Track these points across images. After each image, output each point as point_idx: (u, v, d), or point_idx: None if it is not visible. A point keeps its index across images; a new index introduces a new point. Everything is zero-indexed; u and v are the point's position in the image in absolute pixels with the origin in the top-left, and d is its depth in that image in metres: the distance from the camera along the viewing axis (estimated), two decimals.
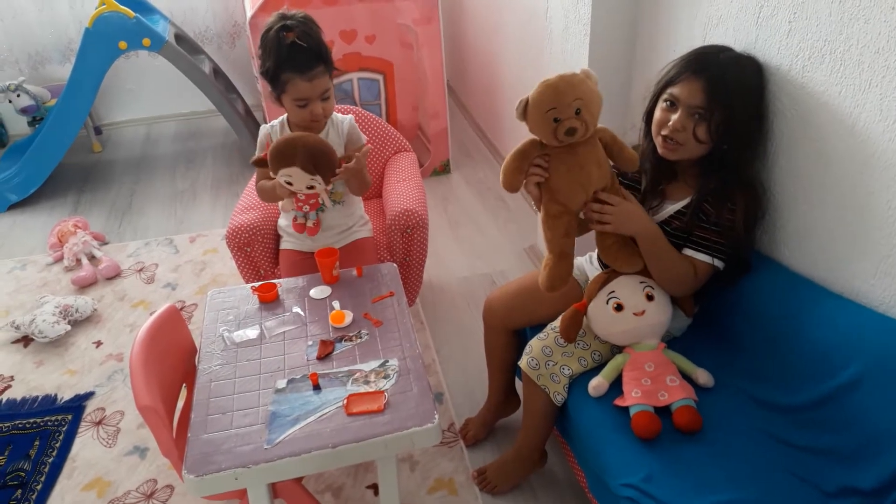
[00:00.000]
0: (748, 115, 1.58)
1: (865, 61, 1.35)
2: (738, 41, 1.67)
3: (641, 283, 1.62)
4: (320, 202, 1.99)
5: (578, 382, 1.65)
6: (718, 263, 1.60)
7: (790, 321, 1.53)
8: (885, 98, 1.32)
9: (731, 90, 1.52)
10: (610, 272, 1.66)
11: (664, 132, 1.59)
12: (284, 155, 1.77)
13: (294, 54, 1.80)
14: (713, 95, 1.51)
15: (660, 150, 1.64)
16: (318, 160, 1.78)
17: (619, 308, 1.59)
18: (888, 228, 1.37)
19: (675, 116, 1.56)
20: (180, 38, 3.97)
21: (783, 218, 1.64)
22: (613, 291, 1.61)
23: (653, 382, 1.53)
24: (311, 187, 1.84)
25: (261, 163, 1.87)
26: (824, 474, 1.34)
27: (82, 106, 3.64)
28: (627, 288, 1.61)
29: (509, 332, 1.93)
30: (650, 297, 1.59)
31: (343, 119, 2.04)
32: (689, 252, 1.62)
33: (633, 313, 1.58)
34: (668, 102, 1.59)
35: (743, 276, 1.65)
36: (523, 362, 1.70)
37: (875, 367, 1.33)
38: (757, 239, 1.72)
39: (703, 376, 1.59)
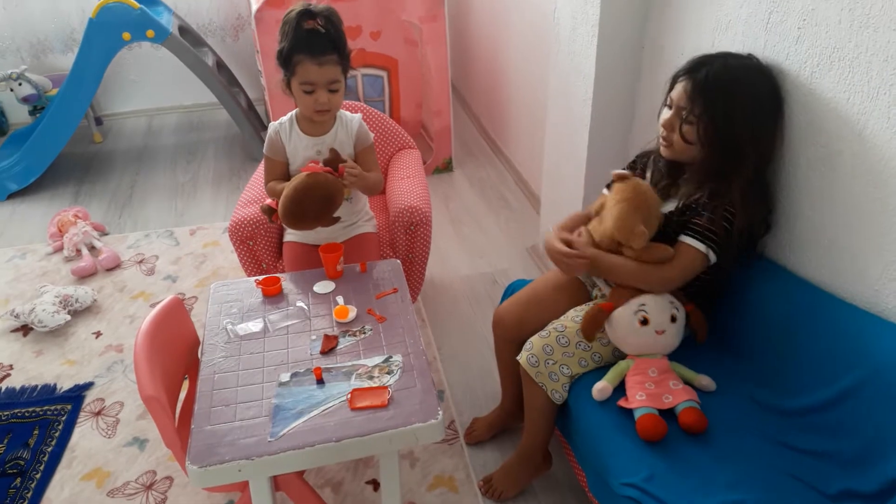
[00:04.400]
0: (732, 122, 1.53)
1: (874, 69, 1.36)
2: (747, 46, 1.68)
3: (671, 303, 1.62)
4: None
5: (580, 383, 1.65)
6: (712, 256, 1.59)
7: (794, 326, 1.54)
8: (892, 106, 1.33)
9: (712, 94, 1.53)
10: None
11: (660, 131, 1.67)
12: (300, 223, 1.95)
13: (310, 38, 1.85)
14: (694, 97, 1.55)
15: (660, 149, 1.71)
16: (330, 209, 1.92)
17: (644, 322, 1.59)
18: (893, 234, 1.37)
19: (666, 116, 1.64)
20: (184, 30, 3.96)
21: (789, 223, 1.64)
22: (644, 304, 1.60)
23: (656, 386, 1.54)
24: None
25: (269, 211, 2.00)
26: (826, 477, 1.35)
27: (84, 96, 3.63)
28: (658, 305, 1.60)
29: (520, 342, 1.93)
30: (673, 319, 1.60)
31: (352, 118, 2.05)
32: (685, 239, 1.61)
33: (655, 330, 1.59)
34: (668, 102, 1.65)
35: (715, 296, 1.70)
36: (522, 358, 1.70)
37: (878, 372, 1.34)
38: (761, 245, 1.73)
39: (705, 380, 1.60)
